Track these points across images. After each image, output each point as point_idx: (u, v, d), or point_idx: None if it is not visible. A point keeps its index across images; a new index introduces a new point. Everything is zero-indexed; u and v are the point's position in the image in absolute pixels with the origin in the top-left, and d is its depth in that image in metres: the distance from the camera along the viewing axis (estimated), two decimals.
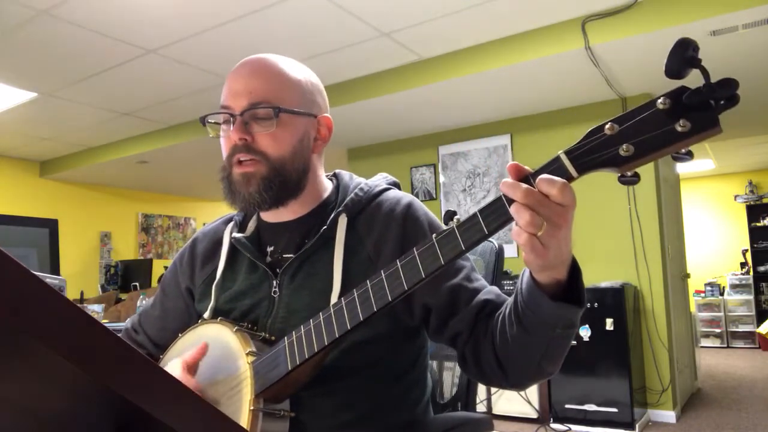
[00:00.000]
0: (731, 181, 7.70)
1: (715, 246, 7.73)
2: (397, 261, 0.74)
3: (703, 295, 7.19)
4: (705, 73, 0.58)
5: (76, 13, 2.91)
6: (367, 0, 2.89)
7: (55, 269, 5.75)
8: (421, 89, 3.76)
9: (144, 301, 3.78)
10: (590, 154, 0.63)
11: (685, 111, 0.58)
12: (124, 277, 6.06)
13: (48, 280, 0.91)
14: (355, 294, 0.77)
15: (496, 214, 0.67)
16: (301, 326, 0.82)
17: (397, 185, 1.07)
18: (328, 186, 1.04)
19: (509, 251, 4.28)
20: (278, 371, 0.81)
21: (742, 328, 6.96)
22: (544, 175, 0.64)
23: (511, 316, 0.79)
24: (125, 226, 7.03)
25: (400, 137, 5.05)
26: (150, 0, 2.82)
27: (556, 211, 0.64)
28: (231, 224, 1.06)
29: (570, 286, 0.73)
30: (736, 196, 7.50)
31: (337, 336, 0.78)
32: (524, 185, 0.64)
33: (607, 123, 0.62)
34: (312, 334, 0.80)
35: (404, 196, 1.00)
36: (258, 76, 0.93)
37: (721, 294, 7.16)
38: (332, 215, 0.96)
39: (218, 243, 1.06)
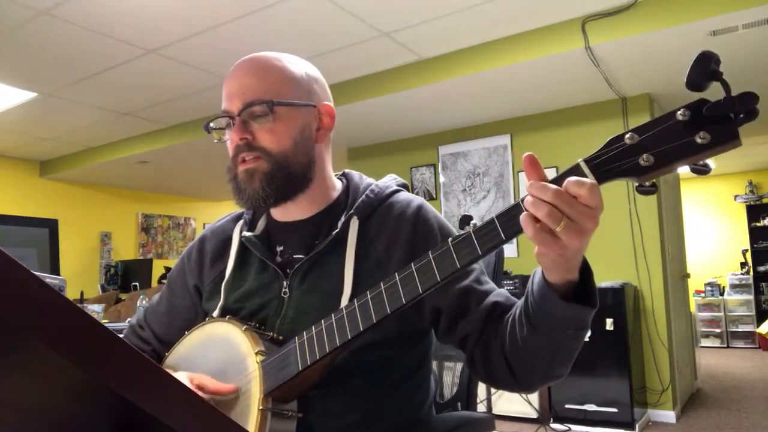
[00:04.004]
0: (731, 181, 7.70)
1: (715, 246, 7.73)
2: (412, 264, 0.74)
3: (703, 295, 7.19)
4: (726, 86, 0.58)
5: (76, 13, 2.91)
6: (367, 0, 2.89)
7: (55, 269, 5.74)
8: (421, 89, 3.76)
9: (144, 301, 3.78)
10: (610, 163, 0.63)
11: (705, 123, 0.58)
12: (124, 277, 6.06)
13: (48, 280, 0.91)
14: (368, 296, 0.77)
15: (514, 220, 0.66)
16: (312, 327, 0.81)
17: (406, 187, 1.07)
18: (337, 185, 1.04)
19: (509, 251, 4.29)
20: (288, 371, 0.81)
21: (742, 328, 6.95)
22: (573, 177, 0.64)
23: (521, 318, 0.79)
24: (125, 226, 7.03)
25: (400, 137, 5.05)
26: (150, 0, 2.82)
27: (583, 212, 0.63)
28: (240, 222, 1.05)
29: (582, 287, 0.73)
30: (736, 196, 7.50)
31: (349, 338, 0.77)
32: (553, 186, 0.63)
33: (627, 132, 0.63)
34: (324, 335, 0.80)
35: (414, 199, 1.00)
36: (249, 74, 0.94)
37: (721, 294, 7.16)
38: (344, 218, 0.95)
39: (227, 241, 1.05)
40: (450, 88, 3.77)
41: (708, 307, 7.13)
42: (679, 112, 0.60)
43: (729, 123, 0.58)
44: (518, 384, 0.85)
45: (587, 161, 0.64)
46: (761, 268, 7.11)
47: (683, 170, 0.64)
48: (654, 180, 0.63)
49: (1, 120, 4.60)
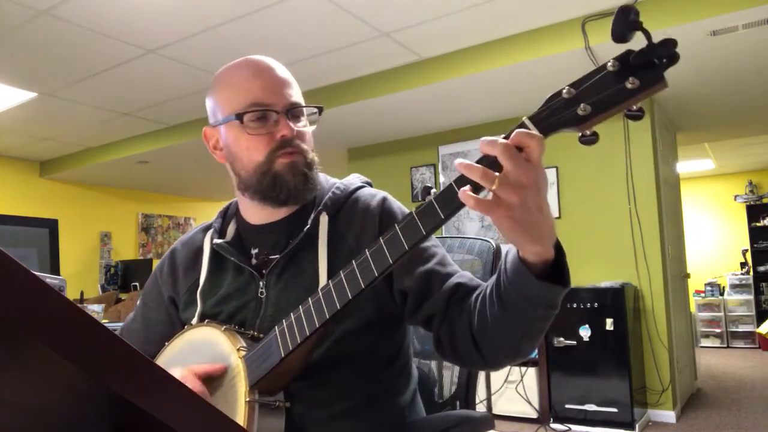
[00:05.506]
0: (731, 181, 7.69)
1: (715, 246, 7.72)
2: (380, 238, 0.76)
3: (703, 295, 7.19)
4: (647, 34, 0.62)
5: (76, 13, 2.91)
6: (367, 0, 2.89)
7: (55, 269, 5.74)
8: (421, 89, 3.76)
9: None
10: (552, 116, 0.68)
11: (633, 70, 0.64)
12: (124, 277, 6.06)
13: (48, 280, 0.91)
14: (342, 275, 0.79)
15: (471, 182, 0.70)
16: (291, 313, 0.83)
17: (369, 184, 1.10)
18: None
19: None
20: (271, 360, 0.82)
21: (742, 328, 6.95)
22: (522, 129, 0.67)
23: (492, 296, 0.80)
24: (125, 226, 7.03)
25: (400, 137, 5.05)
26: (150, 0, 2.82)
27: (522, 166, 0.65)
28: (210, 231, 1.07)
29: (555, 266, 0.74)
30: (736, 196, 7.49)
31: (327, 317, 0.79)
32: (502, 140, 0.67)
33: (564, 87, 0.67)
34: (302, 319, 0.81)
35: (378, 192, 1.04)
36: (286, 75, 0.98)
37: (721, 294, 7.16)
38: (313, 214, 0.98)
39: (198, 251, 1.07)
40: (450, 88, 3.77)
41: (708, 307, 7.13)
42: (609, 64, 0.65)
43: (654, 68, 0.63)
44: (485, 361, 0.86)
45: (531, 118, 0.69)
46: (761, 268, 7.11)
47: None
48: (595, 129, 0.68)
49: (1, 120, 4.60)
